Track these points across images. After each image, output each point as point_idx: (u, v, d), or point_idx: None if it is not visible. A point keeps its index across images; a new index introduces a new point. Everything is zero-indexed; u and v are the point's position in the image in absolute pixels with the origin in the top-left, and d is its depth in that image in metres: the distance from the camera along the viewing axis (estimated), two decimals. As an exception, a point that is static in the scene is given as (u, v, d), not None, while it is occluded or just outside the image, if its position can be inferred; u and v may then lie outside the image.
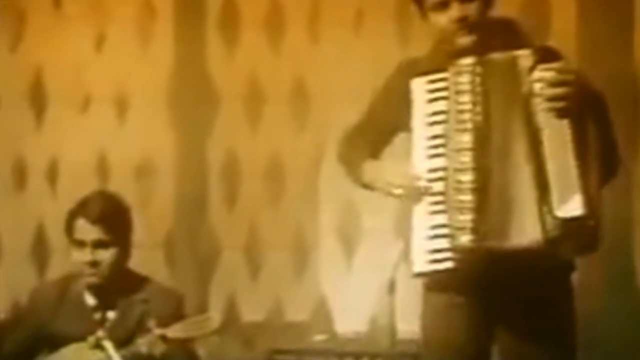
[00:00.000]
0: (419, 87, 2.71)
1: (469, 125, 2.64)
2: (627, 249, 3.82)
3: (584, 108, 2.59)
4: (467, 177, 2.62)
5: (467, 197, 2.62)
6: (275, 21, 4.19)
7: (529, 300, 2.72)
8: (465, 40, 2.70)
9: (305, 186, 4.15)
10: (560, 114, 2.59)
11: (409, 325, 3.05)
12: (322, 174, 4.13)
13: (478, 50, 2.70)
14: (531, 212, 2.59)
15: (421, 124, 2.70)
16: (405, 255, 2.83)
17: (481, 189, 2.62)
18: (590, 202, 2.57)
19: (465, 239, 2.62)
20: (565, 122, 2.59)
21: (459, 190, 2.63)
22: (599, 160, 2.62)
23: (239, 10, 4.23)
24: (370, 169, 2.78)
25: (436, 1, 2.68)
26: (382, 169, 2.77)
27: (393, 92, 2.80)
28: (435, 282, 2.77)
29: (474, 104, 2.65)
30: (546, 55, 2.65)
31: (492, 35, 2.72)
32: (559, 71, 2.60)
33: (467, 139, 2.64)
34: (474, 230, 2.61)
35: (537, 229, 2.59)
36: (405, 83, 2.74)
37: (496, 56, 2.69)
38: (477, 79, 2.66)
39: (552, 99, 2.58)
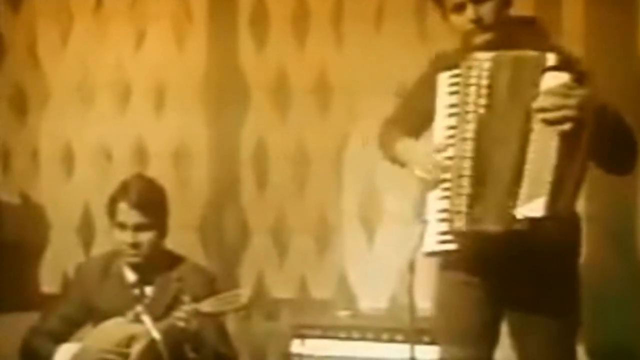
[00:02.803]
0: (442, 80, 2.71)
1: (472, 117, 2.64)
2: (632, 235, 3.76)
3: (582, 126, 2.53)
4: (467, 165, 2.63)
5: (465, 183, 2.63)
6: (301, 19, 4.17)
7: (534, 279, 2.69)
8: (480, 39, 2.68)
9: (329, 172, 4.13)
10: (555, 129, 2.55)
11: (427, 303, 3.00)
12: (345, 161, 4.12)
13: (496, 48, 2.67)
14: (502, 203, 2.58)
15: (441, 115, 2.70)
16: (423, 236, 2.79)
17: (477, 177, 2.62)
18: (555, 207, 2.54)
19: (459, 223, 2.62)
20: (554, 134, 2.55)
21: (459, 177, 2.64)
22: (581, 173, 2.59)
23: (268, 9, 4.21)
24: (402, 146, 2.80)
25: (453, 4, 2.68)
26: (408, 147, 2.78)
27: (426, 84, 2.79)
28: (446, 262, 2.77)
29: (478, 96, 2.63)
30: (561, 62, 2.58)
31: (512, 33, 2.69)
32: (561, 92, 2.54)
33: (470, 128, 2.64)
34: (468, 215, 2.62)
35: (502, 220, 2.58)
36: (435, 77, 2.74)
37: (509, 53, 2.65)
38: (484, 73, 2.64)
39: (548, 114, 2.54)
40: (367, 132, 3.91)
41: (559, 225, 2.62)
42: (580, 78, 2.58)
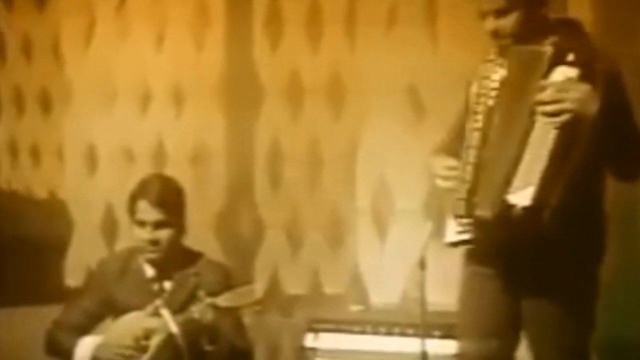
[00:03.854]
0: (473, 88, 2.75)
1: (481, 108, 2.66)
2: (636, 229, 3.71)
3: (581, 122, 2.53)
4: (471, 154, 2.65)
5: (468, 171, 2.65)
6: (314, 22, 4.14)
7: (551, 275, 2.66)
8: (500, 44, 2.70)
9: (342, 171, 4.11)
10: (553, 120, 2.55)
11: (438, 298, 3.04)
12: (358, 160, 4.09)
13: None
14: (497, 190, 2.60)
15: (470, 119, 2.72)
16: (435, 234, 2.81)
17: (478, 165, 2.64)
18: (542, 199, 2.54)
19: (461, 209, 2.65)
20: (552, 126, 2.55)
21: (465, 165, 2.67)
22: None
23: (282, 12, 4.19)
24: (433, 160, 2.83)
25: (479, 12, 2.71)
26: (434, 162, 2.81)
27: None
28: (468, 255, 2.77)
29: (488, 88, 2.66)
30: (575, 59, 2.57)
31: (541, 36, 2.66)
32: (563, 87, 2.54)
33: (478, 118, 2.66)
34: (467, 202, 2.64)
35: (494, 206, 2.59)
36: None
37: (522, 47, 2.65)
38: (496, 68, 2.66)
39: (550, 106, 2.55)
40: (378, 132, 3.95)
41: (581, 223, 2.62)
42: (591, 75, 2.55)
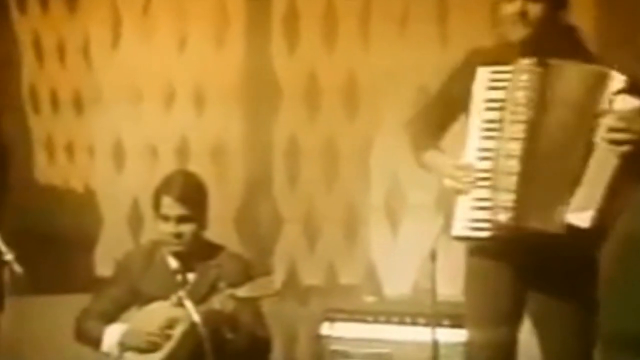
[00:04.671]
0: (483, 75, 2.66)
1: (521, 117, 2.60)
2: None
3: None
4: (514, 163, 2.60)
5: (512, 180, 2.59)
6: (330, 24, 4.15)
7: (558, 268, 2.67)
8: (519, 33, 2.64)
9: (357, 167, 4.11)
10: (616, 149, 2.53)
11: (448, 289, 3.01)
12: (372, 157, 4.09)
13: (532, 45, 2.64)
14: (551, 206, 2.57)
15: (478, 108, 2.66)
16: (445, 228, 2.79)
17: (526, 175, 2.59)
18: (599, 222, 2.55)
19: (504, 216, 2.60)
20: (616, 153, 2.53)
21: (507, 174, 2.60)
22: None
23: (299, 15, 4.19)
24: (431, 157, 2.78)
25: None
26: (439, 161, 2.75)
27: (459, 77, 2.75)
28: (475, 248, 2.75)
29: (530, 100, 2.60)
30: (631, 85, 2.56)
31: (552, 37, 2.65)
32: (630, 117, 2.52)
33: (518, 128, 2.60)
34: (514, 210, 2.59)
35: (549, 221, 2.58)
36: (470, 70, 2.69)
37: (573, 64, 2.62)
38: (535, 77, 2.60)
39: (615, 134, 2.53)
40: (392, 130, 3.91)
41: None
42: None
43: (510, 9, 2.65)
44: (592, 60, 2.67)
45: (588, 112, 2.57)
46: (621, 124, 2.52)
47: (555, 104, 2.60)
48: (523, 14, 2.63)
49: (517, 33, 2.66)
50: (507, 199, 2.60)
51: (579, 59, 2.64)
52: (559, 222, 2.58)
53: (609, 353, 3.32)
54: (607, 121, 2.53)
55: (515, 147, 2.61)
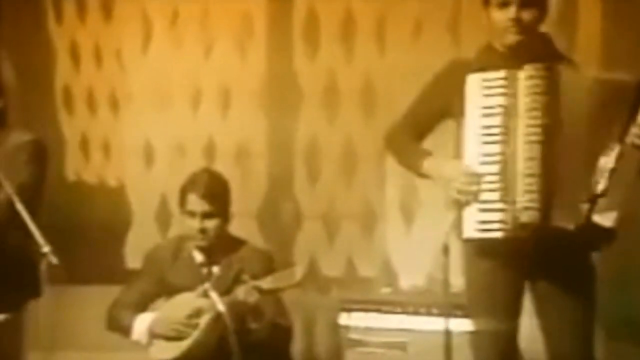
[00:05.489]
0: (475, 82, 2.62)
1: (535, 122, 2.56)
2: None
3: None
4: (534, 164, 2.56)
5: (533, 181, 2.56)
6: (348, 30, 4.17)
7: (559, 264, 2.67)
8: (513, 38, 2.62)
9: (373, 166, 4.11)
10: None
11: (460, 281, 2.98)
12: (388, 156, 3.89)
13: (520, 50, 2.62)
14: (574, 205, 2.55)
15: (474, 114, 2.62)
16: (456, 224, 2.77)
17: (546, 176, 2.56)
18: (621, 223, 2.55)
19: (527, 216, 2.56)
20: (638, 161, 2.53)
21: (525, 175, 2.56)
22: None
23: (319, 22, 4.21)
24: (430, 166, 2.71)
25: (500, 0, 2.62)
26: (440, 168, 2.69)
27: (443, 85, 2.72)
28: (479, 247, 2.72)
29: (543, 104, 2.56)
30: None
31: (535, 42, 2.65)
32: None
33: (534, 131, 2.56)
34: (537, 210, 2.56)
35: (576, 220, 2.56)
36: (454, 78, 2.66)
37: (575, 69, 2.62)
38: (545, 82, 2.56)
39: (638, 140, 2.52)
40: None
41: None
42: None
43: (504, 15, 2.62)
44: (573, 65, 2.66)
45: (609, 119, 2.54)
46: None
47: (567, 108, 2.57)
48: (518, 20, 2.61)
49: (509, 39, 2.64)
50: (530, 198, 2.57)
51: (557, 62, 2.62)
52: (581, 219, 2.56)
53: (611, 342, 3.32)
54: (633, 129, 2.52)
55: (535, 149, 2.57)
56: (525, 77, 2.59)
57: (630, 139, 2.55)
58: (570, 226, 2.57)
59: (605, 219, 2.56)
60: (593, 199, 2.56)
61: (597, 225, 2.57)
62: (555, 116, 2.58)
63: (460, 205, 2.63)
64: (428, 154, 2.73)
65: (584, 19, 3.75)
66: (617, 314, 3.22)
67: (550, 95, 2.57)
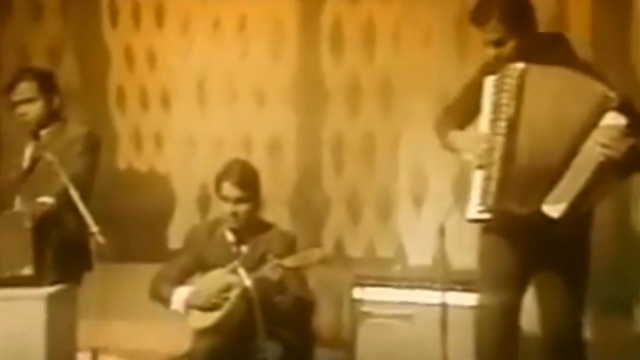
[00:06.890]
0: (488, 83, 2.78)
1: (504, 116, 2.68)
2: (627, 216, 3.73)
3: (618, 164, 2.58)
4: (497, 154, 2.69)
5: (496, 169, 2.70)
6: (369, 36, 4.22)
7: (555, 246, 2.76)
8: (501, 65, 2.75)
9: (390, 159, 4.18)
10: (597, 158, 2.59)
11: (460, 259, 3.17)
12: (401, 151, 4.16)
13: (525, 55, 2.72)
14: (534, 195, 2.64)
15: (486, 112, 2.77)
16: (452, 208, 2.92)
17: (506, 165, 2.66)
18: (570, 215, 2.60)
19: (490, 200, 2.70)
20: (598, 159, 2.58)
21: (492, 164, 2.70)
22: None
23: (343, 28, 4.28)
24: (454, 135, 2.86)
25: (483, 41, 2.78)
26: (460, 137, 2.84)
27: (474, 86, 2.86)
28: (488, 227, 2.85)
29: (510, 99, 2.68)
30: (621, 104, 2.60)
31: (539, 50, 2.72)
32: (616, 136, 2.56)
33: (501, 125, 2.69)
34: (494, 195, 2.68)
35: (528, 207, 2.65)
36: (480, 81, 2.82)
37: (554, 69, 2.67)
38: (516, 82, 2.67)
39: (599, 147, 2.58)
40: (417, 127, 4.01)
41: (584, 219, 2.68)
42: (635, 124, 2.58)
43: (488, 52, 2.76)
44: (585, 65, 2.73)
45: (573, 119, 2.60)
46: (604, 139, 2.57)
47: (536, 106, 2.67)
48: (497, 57, 2.75)
49: (500, 67, 2.76)
50: (493, 185, 2.71)
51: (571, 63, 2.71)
52: (532, 209, 2.65)
53: (597, 315, 3.39)
54: (593, 133, 2.58)
55: (499, 141, 2.69)
56: (502, 75, 2.73)
57: (587, 142, 2.61)
58: (521, 212, 2.65)
59: (553, 210, 2.61)
60: (544, 191, 2.63)
61: (544, 214, 2.64)
62: (520, 113, 2.67)
63: (478, 168, 2.72)
64: (456, 128, 2.86)
65: (573, 16, 3.74)
66: (601, 291, 3.28)
67: (516, 93, 2.67)
